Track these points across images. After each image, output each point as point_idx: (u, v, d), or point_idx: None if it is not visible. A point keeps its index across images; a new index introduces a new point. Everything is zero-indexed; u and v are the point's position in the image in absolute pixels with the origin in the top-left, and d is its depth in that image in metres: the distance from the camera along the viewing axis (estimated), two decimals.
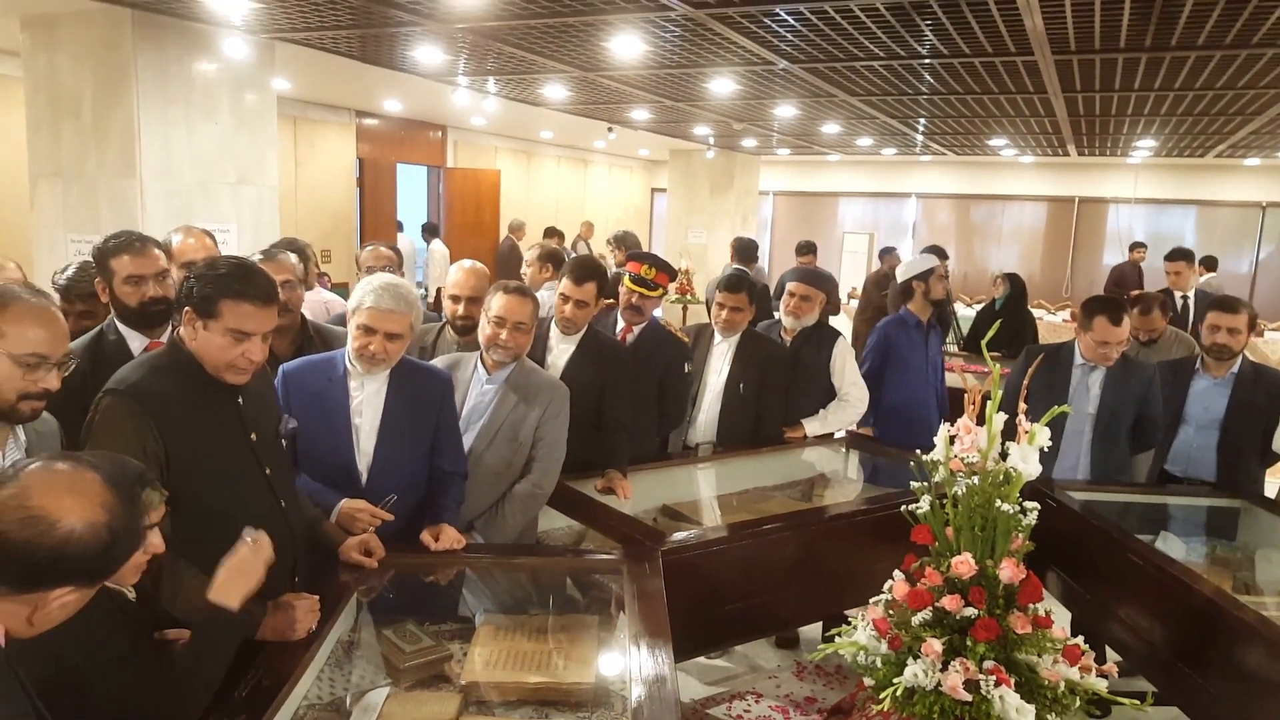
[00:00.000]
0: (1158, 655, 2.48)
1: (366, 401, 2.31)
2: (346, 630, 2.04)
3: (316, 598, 1.85)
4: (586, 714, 1.85)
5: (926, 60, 4.78)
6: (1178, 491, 3.39)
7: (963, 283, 12.40)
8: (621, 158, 14.84)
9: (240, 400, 1.90)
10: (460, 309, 3.00)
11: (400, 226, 10.72)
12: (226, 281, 1.82)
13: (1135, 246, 9.58)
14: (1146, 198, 12.04)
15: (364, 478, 2.30)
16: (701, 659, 3.44)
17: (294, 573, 1.96)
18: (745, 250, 7.06)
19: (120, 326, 2.43)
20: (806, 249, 7.90)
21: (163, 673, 1.45)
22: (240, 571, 1.58)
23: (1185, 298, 5.76)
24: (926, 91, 5.88)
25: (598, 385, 3.04)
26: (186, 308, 1.82)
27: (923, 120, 7.52)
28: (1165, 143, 8.57)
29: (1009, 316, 6.35)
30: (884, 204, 14.02)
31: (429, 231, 10.54)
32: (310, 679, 1.75)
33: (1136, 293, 6.20)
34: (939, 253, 5.73)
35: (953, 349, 6.03)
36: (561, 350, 3.14)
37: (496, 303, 2.61)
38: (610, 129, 9.06)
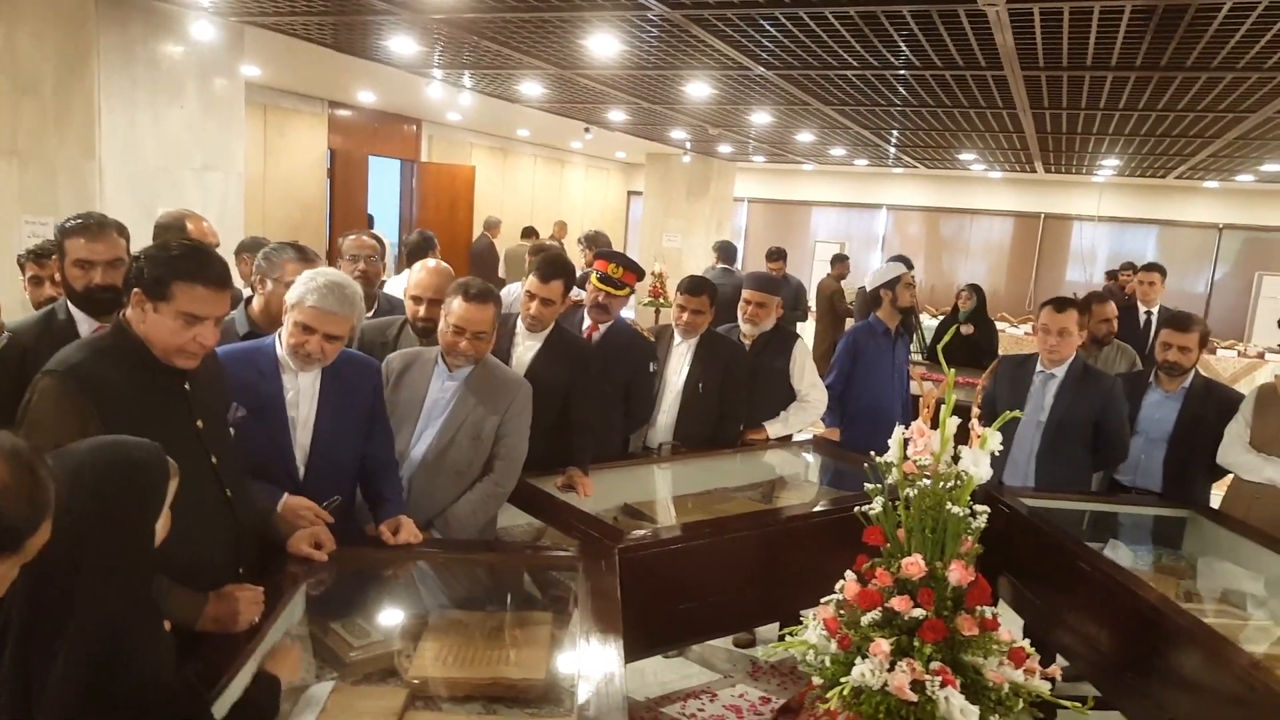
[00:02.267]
0: (1104, 660, 2.52)
1: (302, 394, 2.24)
2: (294, 623, 2.00)
3: (260, 589, 1.81)
4: (535, 710, 1.84)
5: (900, 71, 4.83)
6: (1128, 501, 3.45)
7: (930, 294, 12.56)
8: (599, 159, 14.83)
9: (188, 386, 1.86)
10: (422, 310, 2.94)
11: (370, 221, 10.53)
12: (180, 263, 1.77)
13: (1124, 268, 8.54)
14: (1110, 216, 12.30)
15: (301, 471, 2.24)
16: (659, 658, 3.44)
17: (239, 564, 1.92)
18: (727, 251, 7.70)
19: (71, 308, 2.37)
20: (776, 255, 7.97)
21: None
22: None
23: (1149, 313, 5.44)
24: (899, 103, 5.95)
25: (563, 384, 3.02)
26: (135, 289, 1.77)
27: (895, 132, 7.61)
28: (1129, 163, 8.75)
29: (976, 329, 6.45)
30: (856, 214, 14.17)
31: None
32: (252, 671, 1.71)
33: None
34: (905, 262, 5.79)
35: (916, 357, 6.09)
36: (527, 347, 3.11)
37: (456, 309, 2.54)
38: (587, 129, 9.04)
